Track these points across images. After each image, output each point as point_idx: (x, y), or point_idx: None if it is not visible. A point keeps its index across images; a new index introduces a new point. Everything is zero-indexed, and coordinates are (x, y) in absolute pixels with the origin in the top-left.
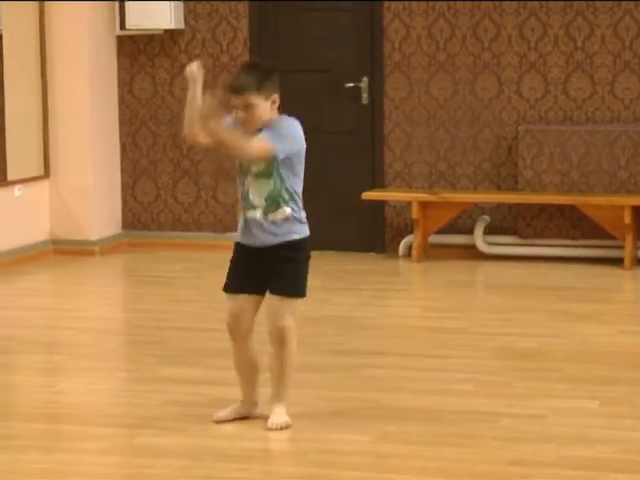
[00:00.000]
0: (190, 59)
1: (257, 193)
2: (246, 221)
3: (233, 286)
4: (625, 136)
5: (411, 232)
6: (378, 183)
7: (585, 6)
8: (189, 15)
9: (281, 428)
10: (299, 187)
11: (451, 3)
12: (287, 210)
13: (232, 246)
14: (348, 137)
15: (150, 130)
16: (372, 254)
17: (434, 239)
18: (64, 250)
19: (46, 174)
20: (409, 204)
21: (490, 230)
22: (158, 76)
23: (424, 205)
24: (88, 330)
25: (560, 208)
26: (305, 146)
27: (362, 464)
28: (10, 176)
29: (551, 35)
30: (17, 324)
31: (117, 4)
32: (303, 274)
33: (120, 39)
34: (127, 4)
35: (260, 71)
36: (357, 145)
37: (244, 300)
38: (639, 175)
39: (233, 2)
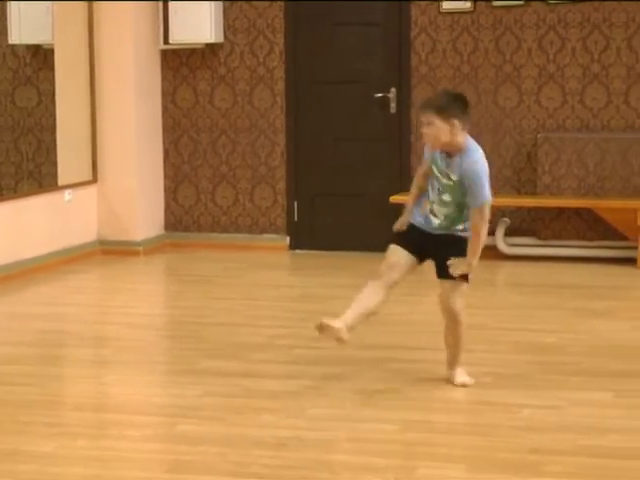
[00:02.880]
0: (229, 71)
1: (440, 210)
2: (425, 217)
3: (398, 241)
4: (638, 143)
5: None
6: (405, 187)
7: (601, 20)
8: (228, 30)
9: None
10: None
11: (474, 18)
12: (460, 226)
13: (268, 247)
14: (377, 144)
15: (191, 138)
16: None
17: None
18: (110, 250)
19: (94, 179)
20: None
21: (510, 232)
22: (199, 87)
23: None
24: (133, 325)
25: (577, 211)
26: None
27: (390, 452)
28: (61, 181)
29: (569, 48)
30: (67, 319)
31: (161, 20)
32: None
33: (164, 53)
34: (170, 21)
35: (447, 97)
36: (386, 152)
37: (402, 254)
38: None
39: (270, 17)
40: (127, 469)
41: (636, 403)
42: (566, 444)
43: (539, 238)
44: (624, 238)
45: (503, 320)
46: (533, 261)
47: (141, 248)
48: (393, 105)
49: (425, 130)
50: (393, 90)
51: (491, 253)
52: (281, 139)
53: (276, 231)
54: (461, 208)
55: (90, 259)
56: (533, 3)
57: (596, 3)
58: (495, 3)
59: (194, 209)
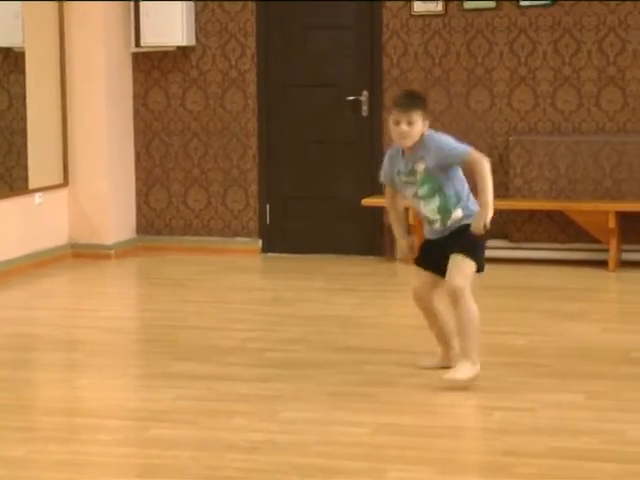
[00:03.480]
0: (201, 74)
1: (430, 211)
2: (430, 229)
3: (419, 262)
4: (609, 146)
5: None
6: (377, 190)
7: (572, 24)
8: (200, 33)
9: (454, 382)
10: (461, 186)
11: (446, 21)
12: (459, 213)
13: (240, 250)
14: (349, 147)
15: (163, 141)
16: (371, 257)
17: None
18: (82, 254)
19: (65, 182)
20: (406, 210)
21: None
22: (171, 90)
23: None
24: (104, 329)
25: (548, 214)
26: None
27: (361, 455)
28: (31, 185)
29: (540, 51)
30: (38, 323)
31: (133, 23)
32: (477, 245)
33: (135, 55)
34: (142, 24)
35: (422, 98)
36: (358, 154)
37: (425, 276)
38: (622, 182)
39: (241, 21)
40: (99, 473)
41: (607, 405)
42: (538, 446)
43: (511, 241)
44: (595, 241)
45: None
46: (505, 263)
47: (113, 251)
48: (365, 108)
49: (406, 128)
50: (365, 93)
51: None
52: (253, 142)
53: (248, 234)
54: (444, 193)
55: (61, 262)
56: (504, 6)
57: (567, 7)
58: (466, 6)
59: (166, 212)
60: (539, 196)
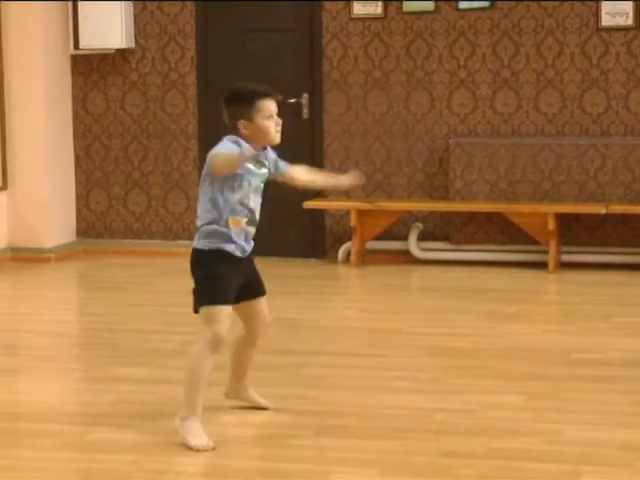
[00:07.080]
0: (140, 77)
1: (256, 208)
2: (245, 234)
3: (230, 298)
4: (548, 148)
5: (349, 239)
6: (318, 193)
7: (510, 27)
8: (139, 35)
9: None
10: None
11: (385, 24)
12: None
13: (181, 253)
14: (290, 150)
15: (102, 144)
16: (313, 260)
17: (371, 245)
18: (21, 257)
19: (4, 186)
20: (348, 212)
21: (423, 236)
22: (110, 93)
23: (362, 213)
24: (45, 333)
25: (488, 216)
26: None
27: (303, 457)
28: None
29: (479, 54)
30: None
31: (71, 25)
32: None
33: (74, 58)
34: (80, 26)
35: None
36: (298, 158)
37: (233, 314)
38: (561, 185)
39: (181, 23)
40: (39, 478)
41: (546, 405)
42: (479, 447)
43: (451, 243)
44: (535, 242)
45: (416, 324)
46: (446, 265)
47: (52, 255)
48: (305, 111)
49: (278, 121)
50: (305, 96)
51: (404, 258)
52: (193, 144)
53: (189, 237)
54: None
55: (0, 266)
56: (443, 10)
57: (505, 10)
58: (406, 9)
59: (106, 215)
60: (479, 198)
